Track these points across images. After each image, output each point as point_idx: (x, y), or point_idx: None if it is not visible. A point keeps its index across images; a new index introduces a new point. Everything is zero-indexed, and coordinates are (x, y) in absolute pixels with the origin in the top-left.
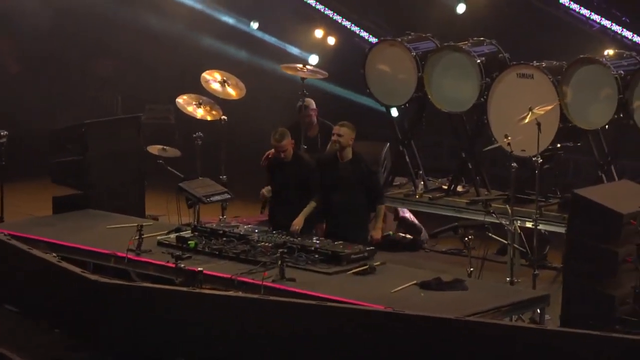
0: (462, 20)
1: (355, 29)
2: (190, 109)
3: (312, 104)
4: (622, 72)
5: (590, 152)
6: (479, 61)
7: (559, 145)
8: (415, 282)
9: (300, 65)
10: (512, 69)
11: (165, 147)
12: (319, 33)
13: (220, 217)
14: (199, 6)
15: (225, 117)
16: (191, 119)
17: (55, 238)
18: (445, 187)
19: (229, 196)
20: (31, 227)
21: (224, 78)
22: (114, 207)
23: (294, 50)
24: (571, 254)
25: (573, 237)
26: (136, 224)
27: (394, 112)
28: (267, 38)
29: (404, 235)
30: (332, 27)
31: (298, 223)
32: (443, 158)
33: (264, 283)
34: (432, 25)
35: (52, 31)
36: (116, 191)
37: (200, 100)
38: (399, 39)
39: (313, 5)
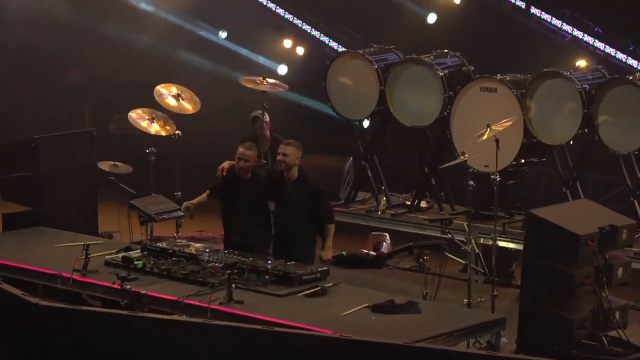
0: (433, 30)
1: (325, 39)
2: (144, 124)
3: (266, 116)
4: (586, 86)
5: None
6: (441, 74)
7: (523, 160)
8: (367, 304)
9: (260, 78)
10: (475, 82)
11: (116, 163)
12: (287, 43)
13: (175, 234)
14: (169, 17)
15: (180, 132)
16: (144, 133)
17: (2, 257)
18: (409, 203)
19: (182, 214)
20: None
21: (179, 92)
22: (66, 225)
23: (263, 61)
24: (527, 276)
25: (529, 258)
26: (88, 242)
27: (365, 123)
28: (236, 48)
29: (367, 252)
30: (301, 37)
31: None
32: (412, 172)
33: (210, 306)
34: (403, 36)
35: (22, 42)
36: (68, 208)
37: (154, 115)
38: (361, 51)
39: (282, 14)
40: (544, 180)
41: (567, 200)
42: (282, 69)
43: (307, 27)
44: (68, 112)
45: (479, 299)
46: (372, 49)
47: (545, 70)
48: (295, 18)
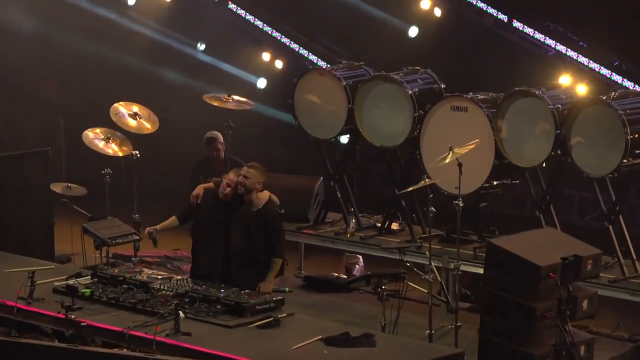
0: (414, 43)
1: (304, 52)
2: (101, 144)
3: (220, 137)
4: (559, 105)
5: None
6: (411, 92)
7: (495, 182)
8: (320, 337)
9: (225, 95)
10: (445, 101)
11: (69, 184)
12: (266, 56)
13: (133, 258)
14: (146, 30)
15: (137, 152)
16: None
17: None
18: (380, 225)
19: (137, 237)
20: None
21: (135, 111)
22: (20, 248)
23: (241, 74)
24: (487, 309)
25: (488, 290)
26: (36, 268)
27: (344, 139)
28: (213, 61)
29: (338, 275)
30: (280, 49)
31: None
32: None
33: (156, 338)
34: (384, 49)
35: None
36: (22, 230)
37: (109, 135)
38: (329, 68)
39: (260, 27)
40: (529, 202)
41: (539, 224)
42: (262, 83)
43: (286, 40)
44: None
45: (449, 326)
46: (340, 65)
47: (516, 89)
48: (274, 30)
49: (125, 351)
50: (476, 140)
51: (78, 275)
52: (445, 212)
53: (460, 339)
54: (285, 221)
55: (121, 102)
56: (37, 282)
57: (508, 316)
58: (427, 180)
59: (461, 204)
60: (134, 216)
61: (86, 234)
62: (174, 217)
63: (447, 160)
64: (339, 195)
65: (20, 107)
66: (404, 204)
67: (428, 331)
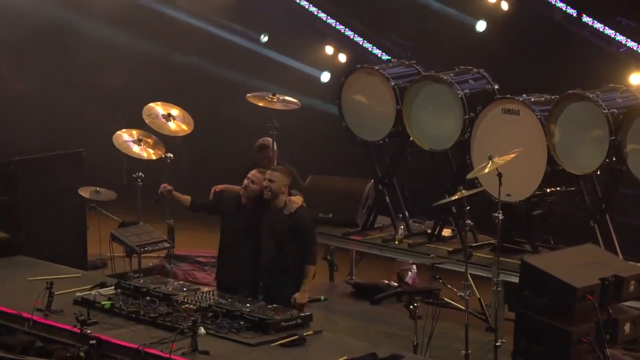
0: (481, 37)
1: (368, 45)
2: (131, 146)
3: (272, 144)
4: (615, 110)
5: None
6: (461, 94)
7: (548, 189)
8: (345, 358)
9: (271, 95)
10: (496, 103)
11: (98, 188)
12: (329, 50)
13: (167, 265)
14: (203, 24)
15: (171, 155)
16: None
17: None
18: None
19: (168, 245)
20: None
21: (169, 112)
22: (50, 254)
23: (304, 68)
24: (520, 331)
25: (522, 312)
26: (61, 276)
27: None
28: (275, 55)
29: (388, 282)
30: (343, 43)
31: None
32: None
33: (171, 356)
34: (450, 43)
35: None
36: (53, 235)
37: (141, 136)
38: (377, 67)
39: (324, 19)
40: None
41: (594, 235)
42: (325, 76)
43: (349, 33)
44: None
45: (499, 342)
46: (390, 64)
47: (570, 92)
48: (337, 23)
49: None
50: (518, 149)
51: (102, 285)
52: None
53: (501, 356)
54: (332, 226)
55: (156, 103)
56: (59, 292)
57: (542, 340)
58: (463, 192)
59: (501, 217)
60: (168, 222)
61: (115, 241)
62: (189, 198)
63: (487, 170)
64: (388, 200)
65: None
66: (455, 210)
67: (464, 352)
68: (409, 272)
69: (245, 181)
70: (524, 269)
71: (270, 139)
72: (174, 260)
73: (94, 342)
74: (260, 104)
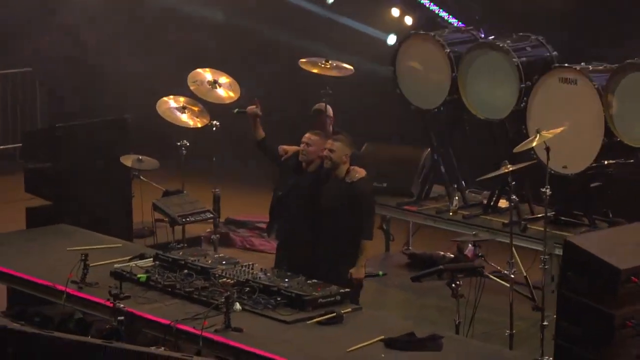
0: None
1: (435, 7)
2: (178, 114)
3: (329, 110)
4: None
5: None
6: (517, 62)
7: (606, 162)
8: (382, 337)
9: (323, 61)
10: (553, 72)
11: (140, 157)
12: (395, 12)
13: (212, 235)
14: None
15: (217, 123)
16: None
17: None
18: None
19: (211, 216)
20: None
21: (215, 78)
22: (94, 222)
23: (370, 31)
24: (561, 313)
25: (564, 294)
26: (100, 246)
27: None
28: (339, 18)
29: (443, 254)
30: (409, 5)
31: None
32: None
33: (203, 333)
34: (519, 5)
35: None
36: (97, 204)
37: (184, 104)
38: (433, 34)
39: None
40: None
41: None
42: (392, 39)
43: None
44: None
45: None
46: (447, 30)
47: (628, 61)
48: None
49: (161, 349)
50: (566, 124)
51: (142, 256)
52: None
53: (549, 336)
54: (387, 195)
55: (204, 69)
56: (96, 264)
57: (584, 323)
58: (508, 166)
59: (549, 192)
60: (213, 190)
61: (156, 210)
62: (264, 134)
63: (535, 144)
64: (443, 170)
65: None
66: (510, 181)
67: (509, 332)
68: (469, 244)
69: (302, 145)
70: (567, 248)
71: (326, 104)
72: (233, 226)
73: (122, 318)
74: (314, 71)
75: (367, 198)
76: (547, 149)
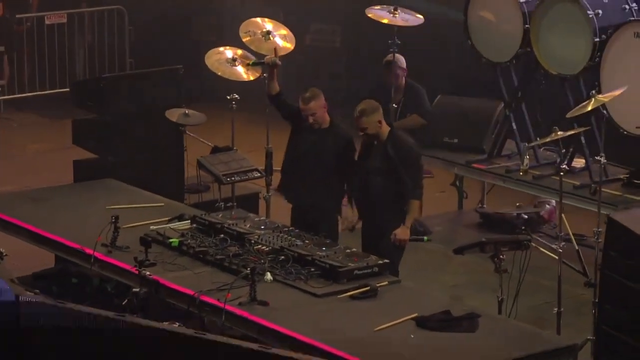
0: None
1: None
2: (229, 68)
3: (402, 61)
4: None
5: None
6: (592, 14)
7: None
8: (415, 315)
9: (392, 9)
10: (628, 26)
11: (187, 111)
12: None
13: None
14: None
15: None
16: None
17: (34, 221)
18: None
19: (258, 174)
20: (19, 203)
21: (267, 29)
22: (143, 178)
23: None
24: (605, 297)
25: (607, 275)
26: (141, 205)
27: None
28: None
29: (517, 214)
30: None
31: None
32: None
33: (226, 307)
34: None
35: None
36: (146, 158)
37: (234, 56)
38: None
39: None
40: None
41: None
42: None
43: None
44: None
45: None
46: None
47: None
48: None
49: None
50: (624, 87)
51: (181, 217)
52: (626, 152)
53: None
54: (457, 151)
55: (255, 18)
56: (131, 225)
57: (630, 308)
58: (559, 132)
59: (604, 160)
60: (266, 147)
61: (201, 169)
62: (278, 88)
63: (590, 108)
64: (514, 127)
65: None
66: (583, 141)
67: (556, 309)
68: (547, 205)
69: (309, 119)
70: (610, 226)
71: (399, 55)
72: None
73: (137, 290)
74: (384, 21)
75: (413, 155)
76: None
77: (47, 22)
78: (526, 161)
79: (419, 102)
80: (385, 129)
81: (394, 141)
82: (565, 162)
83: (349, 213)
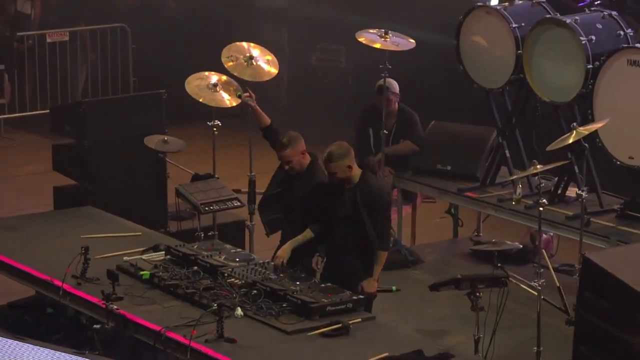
0: None
1: None
2: (209, 94)
3: (394, 86)
4: None
5: None
6: (585, 40)
7: None
8: (386, 355)
9: (382, 32)
10: (621, 53)
11: (166, 137)
12: None
13: (247, 223)
14: None
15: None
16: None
17: (5, 251)
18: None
19: (238, 204)
20: None
21: (251, 54)
22: (125, 205)
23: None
24: (579, 337)
25: (581, 315)
26: (117, 234)
27: None
28: None
29: (511, 243)
30: None
31: (283, 254)
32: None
33: (191, 344)
34: None
35: None
36: (127, 185)
37: (216, 82)
38: (498, 6)
39: None
40: None
41: None
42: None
43: None
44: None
45: None
46: (514, 2)
47: None
48: None
49: None
50: (605, 120)
51: (156, 248)
52: (624, 181)
53: None
54: (450, 179)
55: (240, 42)
56: (105, 255)
57: (603, 350)
58: (538, 166)
59: (585, 195)
60: (249, 175)
61: (179, 197)
62: (269, 120)
63: (571, 141)
64: (508, 155)
65: None
66: (577, 170)
67: (535, 348)
68: (544, 234)
69: (285, 166)
70: (585, 265)
71: (391, 80)
72: None
73: (97, 326)
74: (376, 46)
75: (384, 203)
76: (584, 150)
77: (48, 40)
78: (519, 190)
79: (411, 128)
80: (357, 172)
81: (364, 187)
82: (559, 191)
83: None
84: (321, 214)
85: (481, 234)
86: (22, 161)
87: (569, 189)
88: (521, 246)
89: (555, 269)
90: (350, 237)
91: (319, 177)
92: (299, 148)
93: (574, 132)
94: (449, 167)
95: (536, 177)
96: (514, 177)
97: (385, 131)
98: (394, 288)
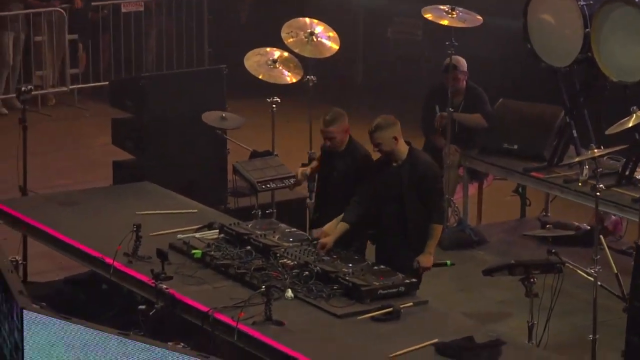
0: None
1: None
2: (268, 70)
3: (463, 64)
4: None
5: None
6: None
7: None
8: (435, 341)
9: (447, 7)
10: None
11: (224, 114)
12: None
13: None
14: None
15: (314, 78)
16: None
17: (58, 226)
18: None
19: (292, 182)
20: (51, 206)
21: (312, 30)
22: (184, 181)
23: None
24: (632, 330)
25: (636, 306)
26: (173, 211)
27: None
28: None
29: (578, 225)
30: None
31: (327, 242)
32: None
33: (238, 326)
34: None
35: None
36: (187, 161)
37: (274, 58)
38: None
39: None
40: None
41: None
42: None
43: None
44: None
45: None
46: None
47: None
48: None
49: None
50: None
51: (210, 226)
52: None
53: None
54: (516, 158)
55: (302, 18)
56: (159, 233)
57: None
58: (595, 151)
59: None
60: (309, 152)
61: (236, 174)
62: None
63: (630, 124)
64: (575, 134)
65: None
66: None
67: (591, 336)
68: (612, 216)
69: (325, 142)
70: (638, 253)
71: (459, 58)
72: None
73: (143, 307)
74: (443, 23)
75: (435, 177)
76: None
77: (123, 10)
78: (585, 171)
79: (480, 105)
80: (403, 147)
81: (413, 162)
82: (627, 172)
83: None
84: (368, 193)
85: (549, 214)
86: (93, 132)
87: (637, 170)
88: (589, 227)
89: (623, 252)
90: (397, 217)
91: (359, 153)
92: (343, 125)
93: (634, 115)
94: (515, 146)
95: (596, 162)
96: (580, 158)
97: (451, 109)
98: (448, 262)
